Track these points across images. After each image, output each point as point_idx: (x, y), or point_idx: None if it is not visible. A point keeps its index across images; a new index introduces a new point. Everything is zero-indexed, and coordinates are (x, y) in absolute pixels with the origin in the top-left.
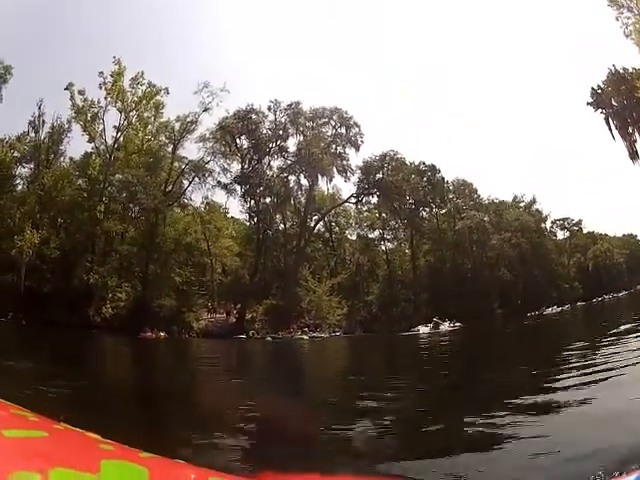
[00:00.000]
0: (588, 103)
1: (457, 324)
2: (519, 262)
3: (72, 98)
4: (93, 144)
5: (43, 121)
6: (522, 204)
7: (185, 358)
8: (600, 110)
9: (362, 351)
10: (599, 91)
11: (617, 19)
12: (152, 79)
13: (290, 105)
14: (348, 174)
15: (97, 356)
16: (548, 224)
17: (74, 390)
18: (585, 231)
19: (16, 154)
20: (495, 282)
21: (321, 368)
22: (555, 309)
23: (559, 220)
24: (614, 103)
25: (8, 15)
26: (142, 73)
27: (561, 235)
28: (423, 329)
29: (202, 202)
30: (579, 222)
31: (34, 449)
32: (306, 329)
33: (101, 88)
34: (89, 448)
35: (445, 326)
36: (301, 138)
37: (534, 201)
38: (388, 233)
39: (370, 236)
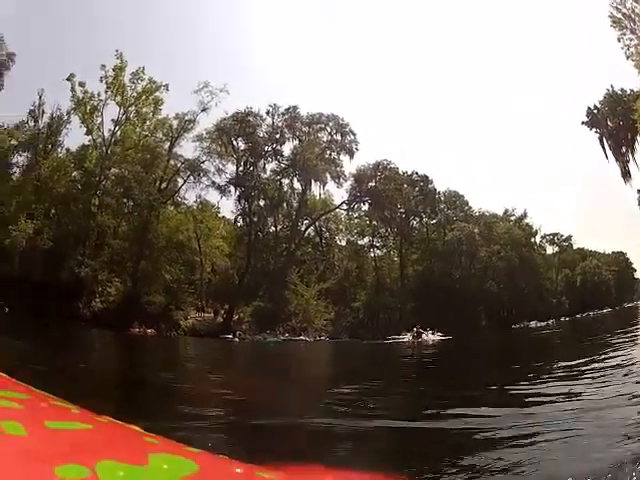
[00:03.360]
0: (583, 122)
1: (439, 334)
2: (507, 275)
3: (73, 89)
4: (90, 137)
5: (43, 111)
6: (512, 218)
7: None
8: (595, 130)
9: (331, 356)
10: (595, 111)
11: (619, 40)
12: (153, 75)
13: (288, 109)
14: (341, 180)
15: (81, 348)
16: (538, 238)
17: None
18: (575, 247)
19: (14, 142)
20: (482, 294)
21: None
22: (540, 323)
23: (549, 235)
24: (609, 123)
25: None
26: (143, 68)
27: (550, 250)
28: (408, 337)
29: (195, 201)
30: (569, 238)
31: (80, 441)
32: (282, 332)
33: (102, 81)
34: (135, 441)
35: (428, 336)
36: (297, 143)
37: (525, 215)
38: (378, 240)
39: (360, 243)
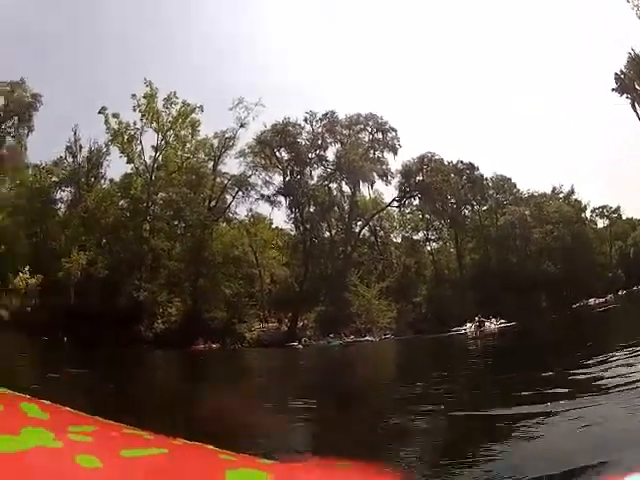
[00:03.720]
0: (613, 89)
1: (502, 321)
2: (562, 254)
3: (107, 122)
4: (132, 165)
5: (80, 146)
6: (561, 195)
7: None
8: (625, 95)
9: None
10: (622, 76)
11: (628, 1)
12: (186, 98)
13: (325, 115)
14: (388, 178)
15: (147, 369)
16: (588, 213)
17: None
18: (624, 217)
19: (54, 179)
20: (540, 275)
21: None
22: (598, 300)
23: (598, 208)
24: (637, 87)
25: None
26: (175, 93)
27: (601, 224)
28: (471, 327)
29: (247, 215)
30: (617, 209)
31: (156, 467)
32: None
33: (135, 110)
34: (211, 460)
35: (491, 324)
36: (339, 146)
37: (572, 191)
38: (432, 233)
39: (415, 238)
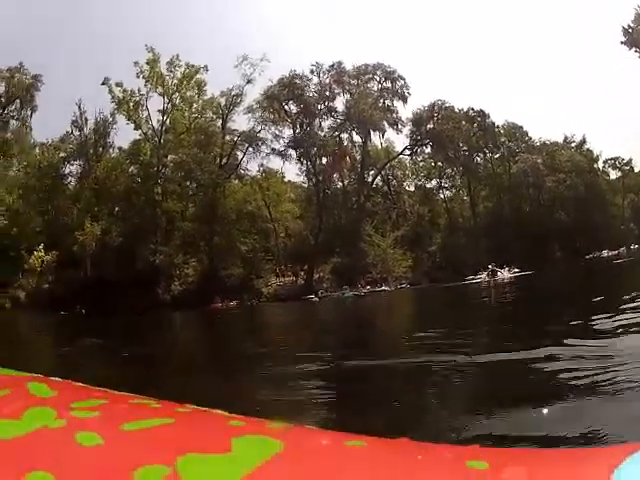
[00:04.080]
0: (622, 42)
1: (515, 270)
2: (575, 203)
3: (111, 91)
4: (140, 130)
5: (86, 118)
6: (573, 144)
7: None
8: (634, 49)
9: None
10: (630, 30)
11: None
12: (190, 60)
13: (332, 66)
14: (399, 126)
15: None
16: (600, 164)
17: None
18: (636, 170)
19: (62, 154)
20: (553, 224)
21: None
22: (611, 252)
23: (610, 160)
24: None
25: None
26: (177, 56)
27: (613, 175)
28: (484, 276)
29: (258, 170)
30: (629, 161)
31: (159, 438)
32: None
33: (139, 77)
34: (218, 427)
35: (503, 273)
36: (348, 96)
37: (584, 141)
38: (445, 181)
39: (428, 186)
